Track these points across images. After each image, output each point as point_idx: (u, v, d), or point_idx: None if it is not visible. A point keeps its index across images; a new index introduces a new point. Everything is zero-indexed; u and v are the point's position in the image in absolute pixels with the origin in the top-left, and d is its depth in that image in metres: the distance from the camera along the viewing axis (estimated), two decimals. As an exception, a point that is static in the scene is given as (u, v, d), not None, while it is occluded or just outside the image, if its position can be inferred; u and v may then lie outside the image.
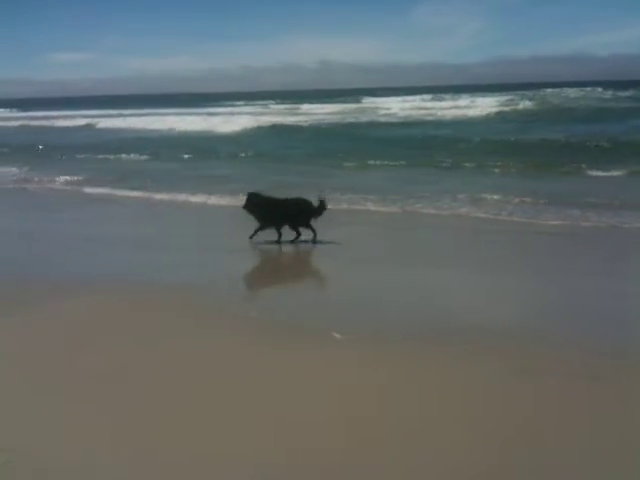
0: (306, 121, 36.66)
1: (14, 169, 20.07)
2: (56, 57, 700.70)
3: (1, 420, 4.16)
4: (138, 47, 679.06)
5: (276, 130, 31.42)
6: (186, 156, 22.99)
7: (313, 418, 4.10)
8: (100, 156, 23.90)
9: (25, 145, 28.89)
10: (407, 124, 33.42)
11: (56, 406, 4.32)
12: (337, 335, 5.43)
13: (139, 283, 7.29)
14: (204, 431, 3.95)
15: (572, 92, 57.47)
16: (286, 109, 54.46)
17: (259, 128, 32.51)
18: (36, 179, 17.92)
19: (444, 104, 50.27)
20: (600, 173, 15.87)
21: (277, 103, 68.53)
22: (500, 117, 35.54)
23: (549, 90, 61.45)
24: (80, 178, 17.42)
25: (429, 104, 52.15)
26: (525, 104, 44.69)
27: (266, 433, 3.93)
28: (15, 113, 68.39)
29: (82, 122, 43.93)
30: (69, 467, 3.62)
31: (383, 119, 38.43)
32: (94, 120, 44.00)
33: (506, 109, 40.30)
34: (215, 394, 4.46)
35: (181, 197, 13.88)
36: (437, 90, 76.52)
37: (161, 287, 7.10)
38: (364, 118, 38.98)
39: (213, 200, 13.45)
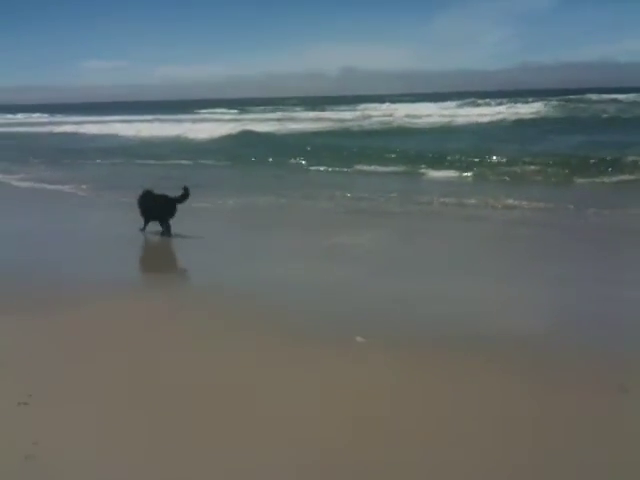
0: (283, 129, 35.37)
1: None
2: (87, 65, 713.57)
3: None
4: (167, 56, 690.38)
5: (244, 137, 30.32)
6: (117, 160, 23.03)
7: (335, 421, 4.13)
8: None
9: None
10: (385, 131, 32.61)
11: (75, 409, 4.32)
12: (360, 339, 5.45)
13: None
14: (222, 435, 3.96)
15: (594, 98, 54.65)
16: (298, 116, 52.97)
17: (229, 136, 31.22)
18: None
19: (446, 112, 47.78)
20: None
21: (300, 109, 66.68)
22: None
23: (571, 97, 58.25)
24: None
25: (434, 110, 49.67)
26: (547, 110, 43.32)
27: (287, 435, 3.95)
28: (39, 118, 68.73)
29: (69, 128, 43.08)
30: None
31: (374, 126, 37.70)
32: (75, 127, 43.29)
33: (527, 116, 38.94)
34: (236, 398, 4.46)
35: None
36: (458, 96, 73.69)
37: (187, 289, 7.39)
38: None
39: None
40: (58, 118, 62.48)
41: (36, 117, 72.59)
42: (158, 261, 9.39)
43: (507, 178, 16.74)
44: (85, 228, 11.24)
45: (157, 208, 9.94)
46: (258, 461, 3.71)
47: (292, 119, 47.45)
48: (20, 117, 74.87)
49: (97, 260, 8.76)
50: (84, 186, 15.83)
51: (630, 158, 17.28)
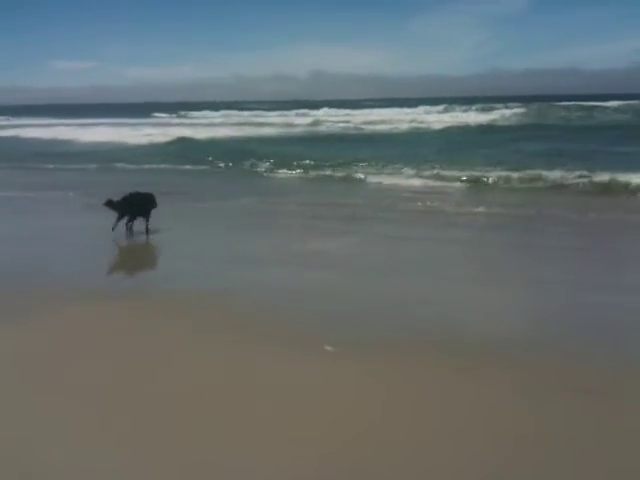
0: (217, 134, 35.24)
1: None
2: (56, 65, 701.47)
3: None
4: (137, 56, 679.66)
5: (180, 143, 29.67)
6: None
7: (304, 429, 4.11)
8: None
9: None
10: (331, 137, 32.71)
11: (59, 413, 4.35)
12: (329, 348, 5.40)
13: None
14: (195, 441, 3.96)
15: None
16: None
17: (165, 142, 30.33)
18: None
19: (407, 117, 48.01)
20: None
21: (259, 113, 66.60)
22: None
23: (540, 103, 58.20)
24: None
25: (398, 116, 49.93)
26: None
27: (255, 443, 3.96)
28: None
29: (9, 132, 41.77)
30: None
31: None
32: (17, 131, 42.27)
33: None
34: (206, 404, 4.47)
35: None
36: (431, 102, 74.00)
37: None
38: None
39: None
40: (3, 121, 59.63)
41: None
42: (131, 265, 9.24)
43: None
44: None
45: (142, 205, 10.54)
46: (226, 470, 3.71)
47: (241, 123, 48.11)
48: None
49: (68, 264, 8.71)
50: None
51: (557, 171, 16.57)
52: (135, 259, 9.53)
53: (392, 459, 3.79)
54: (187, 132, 34.83)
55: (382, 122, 44.06)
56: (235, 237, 10.38)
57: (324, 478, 3.63)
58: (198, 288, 7.37)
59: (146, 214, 10.45)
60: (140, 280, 8.37)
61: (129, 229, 10.39)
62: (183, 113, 73.20)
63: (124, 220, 10.35)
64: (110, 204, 10.21)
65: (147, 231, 10.37)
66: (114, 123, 47.68)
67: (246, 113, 66.72)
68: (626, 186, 14.30)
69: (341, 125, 43.74)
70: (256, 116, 59.88)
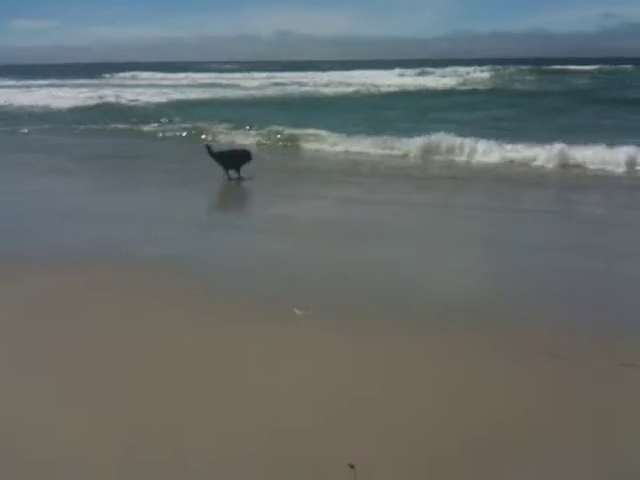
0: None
1: None
2: (18, 24, 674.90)
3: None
4: (100, 16, 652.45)
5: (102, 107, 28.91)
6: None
7: (274, 396, 4.07)
8: None
9: None
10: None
11: (33, 387, 4.25)
12: (298, 311, 5.36)
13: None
14: (179, 411, 3.92)
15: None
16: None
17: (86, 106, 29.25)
18: None
19: (366, 80, 47.19)
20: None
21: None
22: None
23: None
24: None
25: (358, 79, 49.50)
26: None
27: (234, 411, 3.90)
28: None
29: None
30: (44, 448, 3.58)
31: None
32: None
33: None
34: (185, 374, 4.38)
35: None
36: (395, 64, 71.59)
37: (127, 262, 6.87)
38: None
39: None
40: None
41: None
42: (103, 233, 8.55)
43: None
44: None
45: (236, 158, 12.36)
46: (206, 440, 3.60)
47: (185, 85, 47.52)
48: None
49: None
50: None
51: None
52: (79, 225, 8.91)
53: (360, 420, 3.80)
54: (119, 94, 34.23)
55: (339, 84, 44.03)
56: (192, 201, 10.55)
57: (292, 442, 3.60)
58: (157, 254, 7.16)
59: (237, 167, 12.18)
60: (97, 246, 7.76)
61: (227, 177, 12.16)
62: (128, 74, 69.27)
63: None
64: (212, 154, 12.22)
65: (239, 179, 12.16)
66: (58, 84, 46.06)
67: (201, 75, 63.61)
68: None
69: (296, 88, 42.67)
70: (217, 78, 57.68)
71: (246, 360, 4.58)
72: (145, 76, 66.83)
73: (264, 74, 61.02)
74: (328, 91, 38.65)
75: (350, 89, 39.27)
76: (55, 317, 5.39)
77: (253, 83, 48.26)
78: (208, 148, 12.32)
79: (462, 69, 56.83)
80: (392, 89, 37.93)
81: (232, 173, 12.11)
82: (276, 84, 46.92)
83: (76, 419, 3.83)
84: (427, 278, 6.41)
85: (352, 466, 3.37)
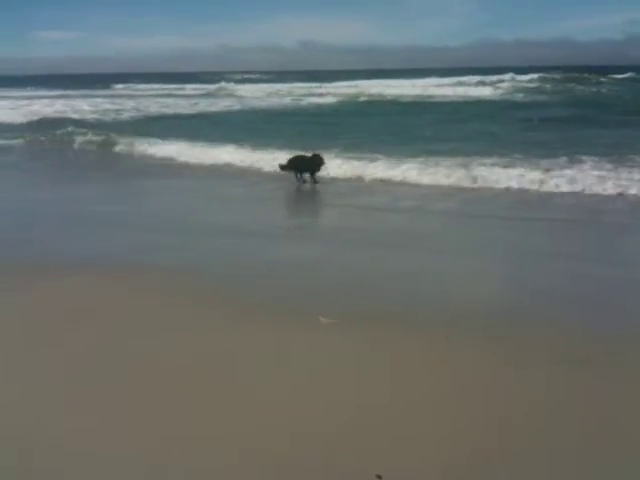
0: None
1: None
2: (40, 35, 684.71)
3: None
4: (122, 27, 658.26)
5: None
6: None
7: (298, 402, 4.14)
8: None
9: None
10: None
11: (43, 390, 4.33)
12: (323, 319, 5.41)
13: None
14: (193, 415, 3.97)
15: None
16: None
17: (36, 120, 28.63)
18: None
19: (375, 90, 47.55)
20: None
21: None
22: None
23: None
24: None
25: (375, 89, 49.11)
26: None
27: (252, 417, 3.95)
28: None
29: None
30: (55, 450, 3.63)
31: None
32: None
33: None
34: (202, 378, 4.46)
35: None
36: (419, 74, 70.83)
37: (149, 269, 7.00)
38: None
39: None
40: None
41: None
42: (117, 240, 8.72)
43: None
44: None
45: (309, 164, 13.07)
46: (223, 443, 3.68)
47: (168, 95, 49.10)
48: None
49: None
50: None
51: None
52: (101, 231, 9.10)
53: (386, 426, 3.84)
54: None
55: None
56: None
57: (322, 450, 3.64)
58: (180, 261, 7.33)
59: (312, 171, 13.00)
60: (114, 251, 7.92)
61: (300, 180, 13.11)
62: (122, 86, 70.48)
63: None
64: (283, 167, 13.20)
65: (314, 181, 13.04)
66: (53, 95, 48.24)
67: (205, 86, 62.27)
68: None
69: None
70: (219, 88, 58.60)
71: (266, 366, 4.66)
72: (142, 87, 67.44)
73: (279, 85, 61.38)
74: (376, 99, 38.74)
75: (404, 100, 37.78)
76: (65, 322, 5.53)
77: (257, 94, 49.99)
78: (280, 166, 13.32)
79: (501, 76, 54.17)
80: (453, 99, 37.44)
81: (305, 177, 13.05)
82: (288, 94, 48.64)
83: (87, 424, 3.90)
84: (446, 285, 6.48)
85: (380, 477, 3.38)
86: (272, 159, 14.61)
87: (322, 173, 13.16)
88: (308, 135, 19.68)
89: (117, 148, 19.23)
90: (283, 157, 13.90)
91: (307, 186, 12.98)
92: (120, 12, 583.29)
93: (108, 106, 36.19)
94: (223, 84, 62.23)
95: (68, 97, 46.53)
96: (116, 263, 7.28)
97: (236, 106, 37.85)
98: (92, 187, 13.29)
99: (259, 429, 3.82)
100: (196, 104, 39.18)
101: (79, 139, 20.70)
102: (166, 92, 54.55)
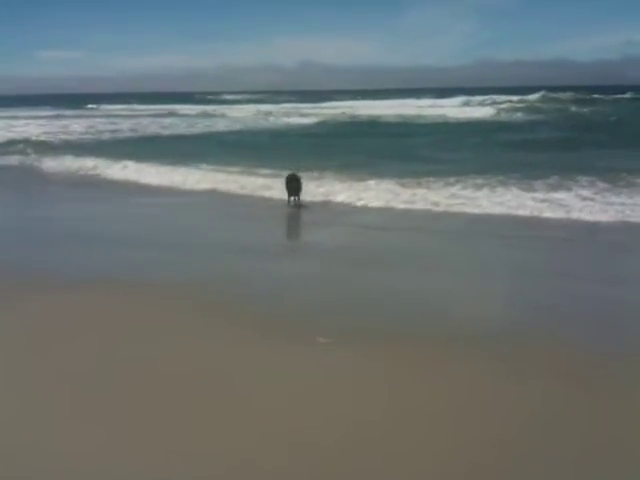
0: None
1: None
2: (42, 55, 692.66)
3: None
4: (122, 46, 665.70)
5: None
6: None
7: (295, 420, 4.16)
8: None
9: None
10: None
11: (42, 405, 4.38)
12: (321, 339, 5.43)
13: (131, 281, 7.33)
14: (192, 429, 4.03)
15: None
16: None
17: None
18: None
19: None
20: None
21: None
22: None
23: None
24: None
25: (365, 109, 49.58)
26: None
27: (250, 431, 4.00)
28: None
29: None
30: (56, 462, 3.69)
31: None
32: None
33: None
34: (201, 392, 4.52)
35: None
36: (413, 94, 73.76)
37: (152, 285, 7.12)
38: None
39: None
40: None
41: None
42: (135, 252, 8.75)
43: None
44: None
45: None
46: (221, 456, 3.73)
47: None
48: None
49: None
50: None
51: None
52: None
53: (382, 441, 3.87)
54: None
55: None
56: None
57: (319, 463, 3.68)
58: (184, 277, 7.42)
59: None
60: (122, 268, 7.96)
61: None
62: (121, 107, 69.84)
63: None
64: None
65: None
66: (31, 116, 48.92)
67: (192, 106, 63.79)
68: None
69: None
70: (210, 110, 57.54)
71: (264, 382, 4.68)
72: (140, 108, 67.18)
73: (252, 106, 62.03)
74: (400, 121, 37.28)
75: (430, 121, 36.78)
76: (68, 336, 5.60)
77: (239, 114, 50.24)
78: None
79: (499, 96, 54.12)
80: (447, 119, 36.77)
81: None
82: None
83: (89, 436, 3.93)
84: (445, 303, 6.53)
85: None
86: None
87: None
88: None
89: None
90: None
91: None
92: (119, 31, 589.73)
93: (102, 127, 36.67)
94: (210, 107, 62.27)
95: (65, 117, 47.79)
96: (113, 280, 7.30)
97: (217, 126, 37.84)
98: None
99: (257, 442, 3.88)
100: (168, 126, 38.64)
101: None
102: (165, 112, 55.04)
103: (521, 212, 11.06)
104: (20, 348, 5.34)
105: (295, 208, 12.37)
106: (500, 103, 48.92)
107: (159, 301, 6.53)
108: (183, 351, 5.23)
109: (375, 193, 12.77)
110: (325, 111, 49.86)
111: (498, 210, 11.30)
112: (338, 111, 48.04)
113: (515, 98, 51.95)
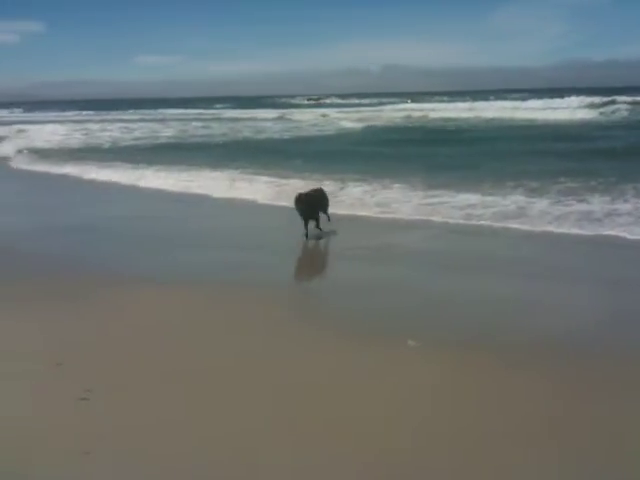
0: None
1: None
2: (142, 60, 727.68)
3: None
4: (217, 51, 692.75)
5: None
6: None
7: (383, 427, 4.16)
8: None
9: None
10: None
11: (126, 399, 4.55)
12: (411, 342, 5.43)
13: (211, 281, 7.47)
14: (278, 430, 4.11)
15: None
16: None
17: None
18: None
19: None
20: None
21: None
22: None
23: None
24: None
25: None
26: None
27: (336, 438, 4.02)
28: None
29: None
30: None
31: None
32: None
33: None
34: (290, 401, 4.53)
35: None
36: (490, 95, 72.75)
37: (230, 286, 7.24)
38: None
39: None
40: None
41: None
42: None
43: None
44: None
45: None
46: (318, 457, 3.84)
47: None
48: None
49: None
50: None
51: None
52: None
53: (473, 451, 3.86)
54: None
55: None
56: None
57: (410, 465, 3.72)
58: (265, 280, 7.48)
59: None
60: (200, 269, 8.13)
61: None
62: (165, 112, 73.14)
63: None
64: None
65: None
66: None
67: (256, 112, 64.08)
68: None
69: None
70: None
71: (351, 386, 4.73)
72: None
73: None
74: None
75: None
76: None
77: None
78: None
79: (586, 98, 49.63)
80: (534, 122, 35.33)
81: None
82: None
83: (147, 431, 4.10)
84: (523, 311, 6.43)
85: None
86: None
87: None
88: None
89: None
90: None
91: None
92: (215, 38, 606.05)
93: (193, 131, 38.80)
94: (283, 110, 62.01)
95: (157, 121, 50.07)
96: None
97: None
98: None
99: (354, 448, 3.90)
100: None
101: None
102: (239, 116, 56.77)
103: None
104: (136, 344, 5.56)
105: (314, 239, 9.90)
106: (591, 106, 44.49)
107: (254, 301, 6.69)
108: (267, 356, 5.29)
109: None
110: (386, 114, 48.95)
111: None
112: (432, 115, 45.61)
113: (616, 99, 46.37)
